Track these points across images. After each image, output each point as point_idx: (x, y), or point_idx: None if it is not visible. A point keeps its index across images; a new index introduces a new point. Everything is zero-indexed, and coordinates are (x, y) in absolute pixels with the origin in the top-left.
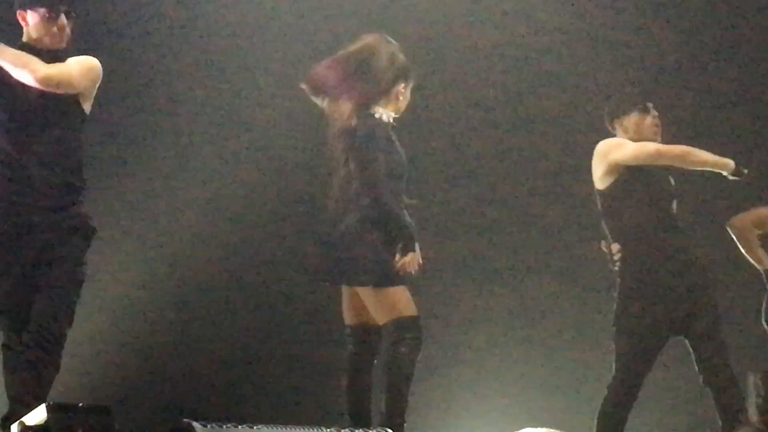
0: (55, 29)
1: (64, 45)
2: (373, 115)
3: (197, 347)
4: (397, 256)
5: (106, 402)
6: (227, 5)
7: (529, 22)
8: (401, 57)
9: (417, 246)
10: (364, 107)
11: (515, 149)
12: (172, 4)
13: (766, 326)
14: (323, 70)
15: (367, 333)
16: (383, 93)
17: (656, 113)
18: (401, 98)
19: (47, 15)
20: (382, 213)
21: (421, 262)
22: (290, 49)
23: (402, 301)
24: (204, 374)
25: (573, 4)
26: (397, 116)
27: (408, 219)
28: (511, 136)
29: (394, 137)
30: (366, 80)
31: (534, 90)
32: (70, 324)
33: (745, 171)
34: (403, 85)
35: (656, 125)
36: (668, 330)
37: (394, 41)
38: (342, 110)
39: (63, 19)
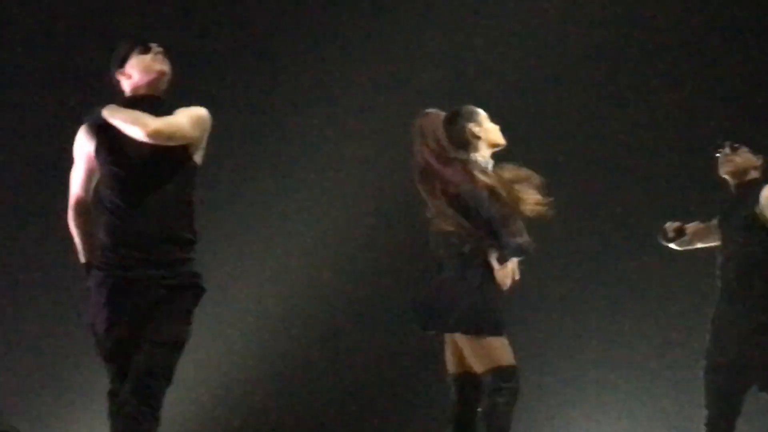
0: (155, 74)
1: (164, 88)
2: (471, 160)
3: (303, 398)
4: (495, 266)
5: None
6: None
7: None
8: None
9: (514, 260)
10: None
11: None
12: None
13: None
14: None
15: (469, 382)
16: (461, 146)
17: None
18: (482, 134)
19: (150, 57)
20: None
21: (518, 277)
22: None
23: (500, 349)
24: (313, 420)
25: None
26: (498, 149)
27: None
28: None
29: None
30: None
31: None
32: (168, 382)
33: None
34: (471, 124)
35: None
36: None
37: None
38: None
39: (163, 59)
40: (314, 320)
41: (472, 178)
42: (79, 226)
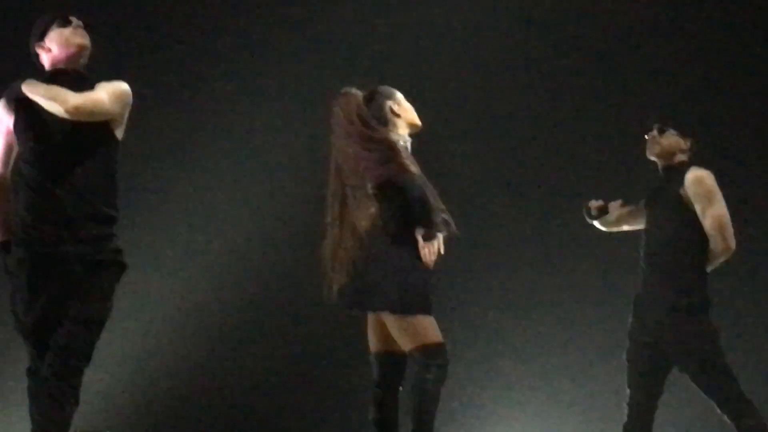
0: (75, 48)
1: (84, 62)
2: (392, 139)
3: (220, 378)
4: (420, 243)
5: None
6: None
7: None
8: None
9: (440, 237)
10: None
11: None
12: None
13: None
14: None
15: (392, 360)
16: (381, 123)
17: None
18: (401, 113)
19: (69, 31)
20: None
21: (442, 251)
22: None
23: (428, 328)
24: (229, 404)
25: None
26: (416, 131)
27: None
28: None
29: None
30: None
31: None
32: (87, 361)
33: None
34: (390, 102)
35: None
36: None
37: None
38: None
39: (83, 33)
40: (234, 297)
41: (398, 156)
42: None
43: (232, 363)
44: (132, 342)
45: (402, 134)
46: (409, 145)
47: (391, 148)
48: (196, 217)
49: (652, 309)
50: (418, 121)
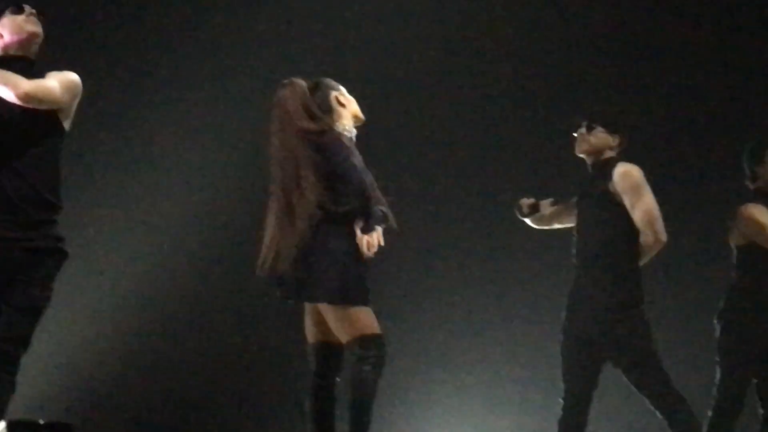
0: (27, 35)
1: (36, 50)
2: (337, 129)
3: (161, 365)
4: (359, 235)
5: (69, 420)
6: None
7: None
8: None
9: (379, 229)
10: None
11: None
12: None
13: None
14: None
15: (329, 351)
16: (327, 113)
17: None
18: (346, 104)
19: (22, 18)
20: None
21: (382, 243)
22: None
23: (365, 319)
24: (168, 392)
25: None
26: (359, 124)
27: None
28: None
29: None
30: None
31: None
32: (25, 348)
33: None
34: (335, 92)
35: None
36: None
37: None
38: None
39: (36, 21)
40: (179, 286)
41: (344, 148)
42: None
43: (168, 353)
44: (70, 331)
45: (346, 125)
46: (353, 136)
47: (335, 138)
48: (138, 207)
49: (586, 304)
50: (361, 114)
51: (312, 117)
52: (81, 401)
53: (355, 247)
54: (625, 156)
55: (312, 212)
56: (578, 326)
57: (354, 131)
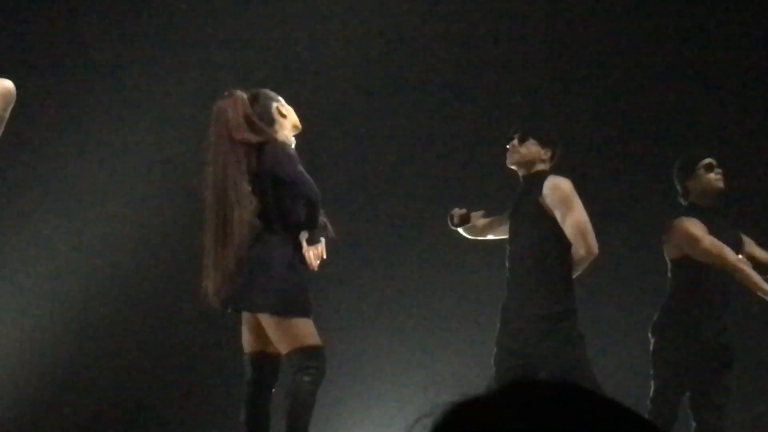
0: None
1: None
2: (279, 140)
3: (97, 371)
4: (304, 246)
5: (6, 425)
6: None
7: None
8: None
9: (322, 240)
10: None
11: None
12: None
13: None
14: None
15: (266, 361)
16: (268, 124)
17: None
18: (287, 114)
19: None
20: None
21: (324, 255)
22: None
23: (306, 330)
24: (103, 398)
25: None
26: (296, 133)
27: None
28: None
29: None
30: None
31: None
32: None
33: None
34: (276, 103)
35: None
36: None
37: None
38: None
39: None
40: (114, 287)
41: (291, 158)
42: None
43: (105, 360)
44: (4, 338)
45: (287, 135)
46: (293, 146)
47: (280, 149)
48: (73, 213)
49: (518, 317)
50: (299, 123)
51: (254, 129)
52: (15, 407)
53: (297, 258)
54: (558, 169)
55: (249, 222)
56: (511, 338)
57: (293, 141)
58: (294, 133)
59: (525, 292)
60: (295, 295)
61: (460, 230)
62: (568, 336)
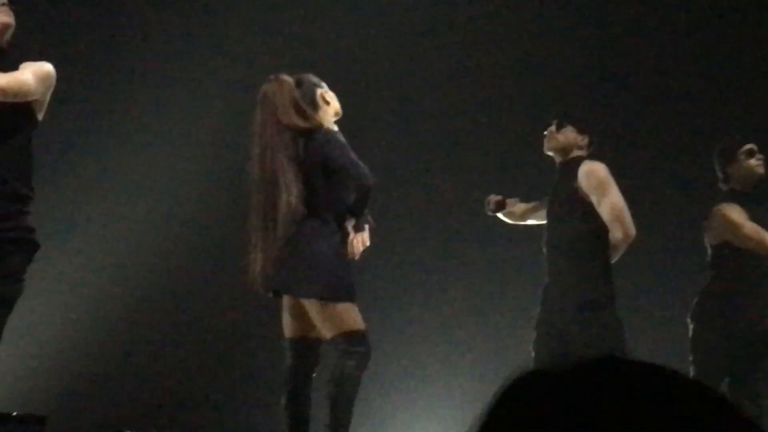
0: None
1: (8, 39)
2: (324, 126)
3: (135, 358)
4: (351, 233)
5: (42, 412)
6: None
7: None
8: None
9: (367, 228)
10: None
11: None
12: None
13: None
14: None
15: (306, 346)
16: (314, 109)
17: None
18: (330, 100)
19: None
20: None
21: (368, 243)
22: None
23: (351, 315)
24: (141, 385)
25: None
26: (337, 118)
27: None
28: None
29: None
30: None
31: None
32: None
33: None
34: (320, 91)
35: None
36: None
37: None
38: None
39: (7, 11)
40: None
41: (342, 145)
42: None
43: (143, 345)
44: (43, 322)
45: (330, 121)
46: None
47: (330, 135)
48: (117, 198)
49: (558, 303)
50: (341, 110)
51: (302, 114)
52: (55, 393)
53: (343, 244)
54: (596, 155)
55: (295, 207)
56: (551, 323)
57: (335, 127)
58: (335, 120)
59: (563, 279)
60: (341, 280)
61: (500, 215)
62: (606, 323)
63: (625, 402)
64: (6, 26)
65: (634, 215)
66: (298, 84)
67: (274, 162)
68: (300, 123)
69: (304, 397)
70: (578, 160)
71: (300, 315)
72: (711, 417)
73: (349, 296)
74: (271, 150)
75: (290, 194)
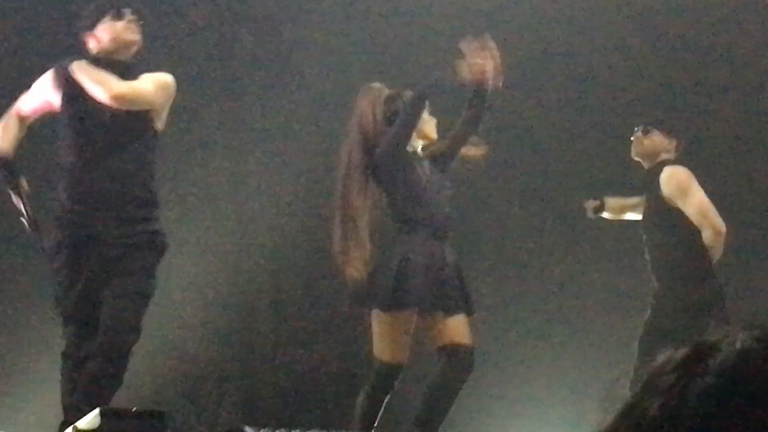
0: (126, 44)
1: (133, 54)
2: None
3: (252, 355)
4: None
5: (161, 408)
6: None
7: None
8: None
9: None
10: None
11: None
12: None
13: None
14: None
15: (396, 373)
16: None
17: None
18: (421, 127)
19: (122, 25)
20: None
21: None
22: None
23: (461, 327)
24: (258, 381)
25: None
26: (429, 143)
27: None
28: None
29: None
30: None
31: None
32: (136, 337)
33: None
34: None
35: None
36: None
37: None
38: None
39: (136, 28)
40: (271, 279)
41: (398, 159)
42: (5, 128)
43: (260, 343)
44: (163, 319)
45: (415, 145)
46: (419, 151)
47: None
48: (234, 204)
49: (666, 303)
50: (434, 135)
51: (376, 125)
52: (174, 389)
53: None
54: (682, 159)
55: (373, 219)
56: (662, 322)
57: (419, 145)
58: (424, 142)
59: (669, 281)
60: (468, 291)
61: (604, 214)
62: (718, 322)
63: None
64: (132, 44)
65: (733, 215)
66: (391, 99)
67: (353, 171)
68: (371, 133)
69: (374, 416)
70: (663, 165)
71: (405, 335)
72: None
73: (467, 307)
74: (352, 158)
75: (368, 203)
